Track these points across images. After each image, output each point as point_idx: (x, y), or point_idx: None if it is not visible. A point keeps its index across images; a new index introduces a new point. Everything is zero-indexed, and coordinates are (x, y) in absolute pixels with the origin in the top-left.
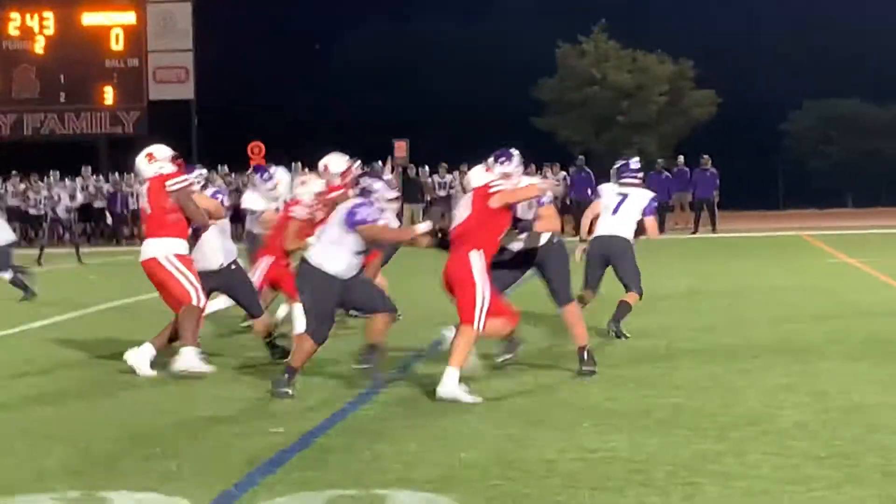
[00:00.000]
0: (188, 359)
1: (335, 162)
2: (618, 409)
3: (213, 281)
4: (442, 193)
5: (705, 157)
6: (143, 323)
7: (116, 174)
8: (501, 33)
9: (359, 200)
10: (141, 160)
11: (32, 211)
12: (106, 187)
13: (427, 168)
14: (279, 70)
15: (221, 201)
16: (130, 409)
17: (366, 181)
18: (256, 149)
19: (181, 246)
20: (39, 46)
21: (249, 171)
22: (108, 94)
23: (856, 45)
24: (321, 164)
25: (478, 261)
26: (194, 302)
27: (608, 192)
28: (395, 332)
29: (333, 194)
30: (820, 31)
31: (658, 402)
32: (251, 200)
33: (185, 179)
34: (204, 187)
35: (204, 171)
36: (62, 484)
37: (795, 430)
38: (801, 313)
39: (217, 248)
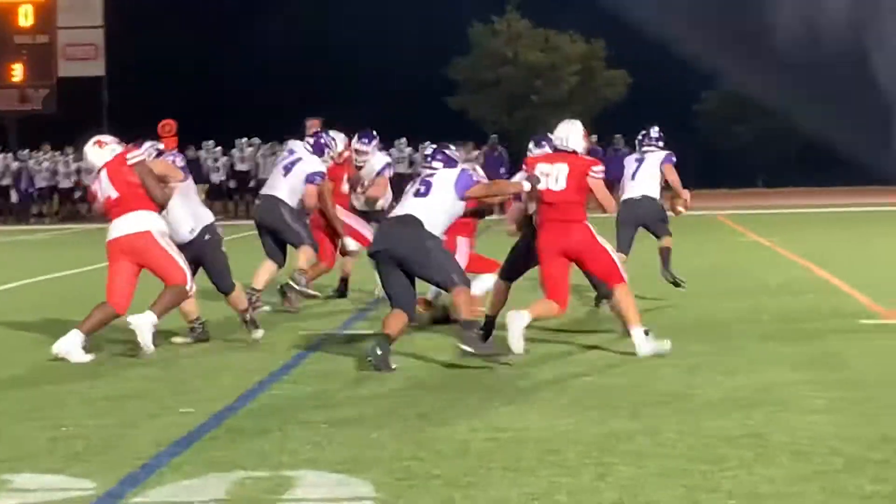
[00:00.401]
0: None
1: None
2: (530, 387)
3: (185, 253)
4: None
5: (617, 136)
6: (36, 304)
7: (27, 151)
8: (415, 12)
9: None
10: (91, 150)
11: None
12: (14, 165)
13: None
14: (193, 47)
15: (174, 162)
16: (37, 389)
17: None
18: (168, 127)
19: (163, 223)
20: None
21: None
22: (17, 71)
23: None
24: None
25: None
26: (187, 285)
27: (629, 161)
28: (310, 312)
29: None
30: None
31: (572, 381)
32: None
33: (141, 154)
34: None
35: (157, 143)
36: None
37: (708, 409)
38: (714, 292)
39: (183, 215)
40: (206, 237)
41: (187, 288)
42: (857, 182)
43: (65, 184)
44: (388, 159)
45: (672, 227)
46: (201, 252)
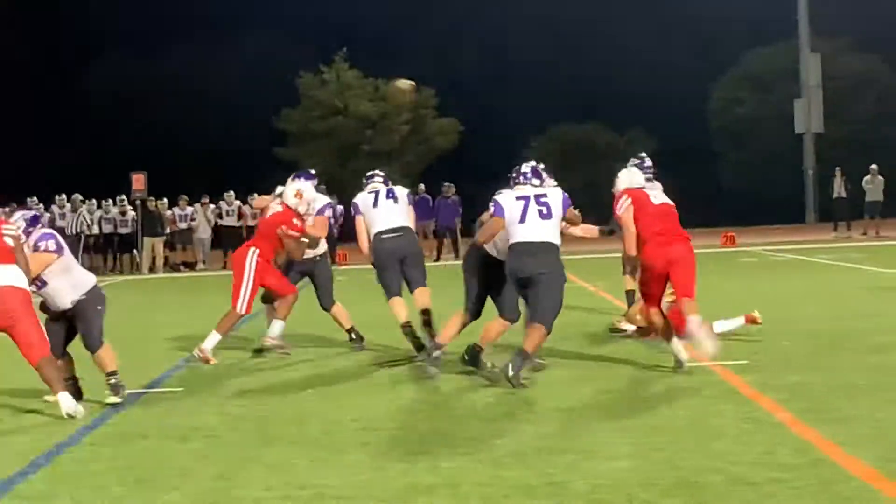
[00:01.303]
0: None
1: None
2: (333, 442)
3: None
4: (183, 226)
5: (447, 184)
6: None
7: None
8: (243, 64)
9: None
10: None
11: None
12: None
13: (166, 200)
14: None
15: (46, 247)
16: None
17: None
18: None
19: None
20: None
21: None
22: None
23: (598, 71)
24: (292, 189)
25: None
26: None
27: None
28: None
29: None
30: (563, 59)
31: (375, 434)
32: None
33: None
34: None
35: (26, 213)
36: None
37: (508, 458)
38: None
39: (64, 286)
40: (85, 298)
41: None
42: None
43: None
44: (329, 199)
45: None
46: (77, 314)
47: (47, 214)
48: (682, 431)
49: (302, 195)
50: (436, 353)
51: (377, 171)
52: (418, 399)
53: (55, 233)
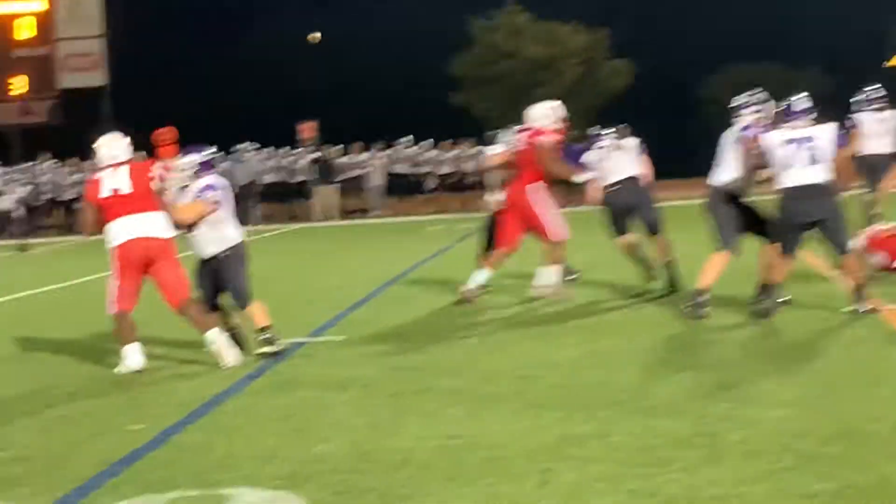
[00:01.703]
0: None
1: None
2: (491, 391)
3: (205, 267)
4: (356, 173)
5: (623, 125)
6: (30, 319)
7: (29, 164)
8: (415, 9)
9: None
10: (116, 141)
11: None
12: (16, 178)
13: (341, 147)
14: (192, 52)
15: (208, 191)
16: None
17: None
18: (165, 135)
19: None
20: None
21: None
22: (18, 85)
23: (773, 8)
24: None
25: None
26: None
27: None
28: (276, 319)
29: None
30: None
31: (534, 383)
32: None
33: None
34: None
35: (199, 156)
36: None
37: (663, 409)
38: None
39: (211, 238)
40: (227, 254)
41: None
42: None
43: (68, 195)
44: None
45: (672, 215)
46: (220, 269)
47: (223, 165)
48: (843, 378)
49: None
50: (701, 299)
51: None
52: (579, 348)
53: (220, 184)
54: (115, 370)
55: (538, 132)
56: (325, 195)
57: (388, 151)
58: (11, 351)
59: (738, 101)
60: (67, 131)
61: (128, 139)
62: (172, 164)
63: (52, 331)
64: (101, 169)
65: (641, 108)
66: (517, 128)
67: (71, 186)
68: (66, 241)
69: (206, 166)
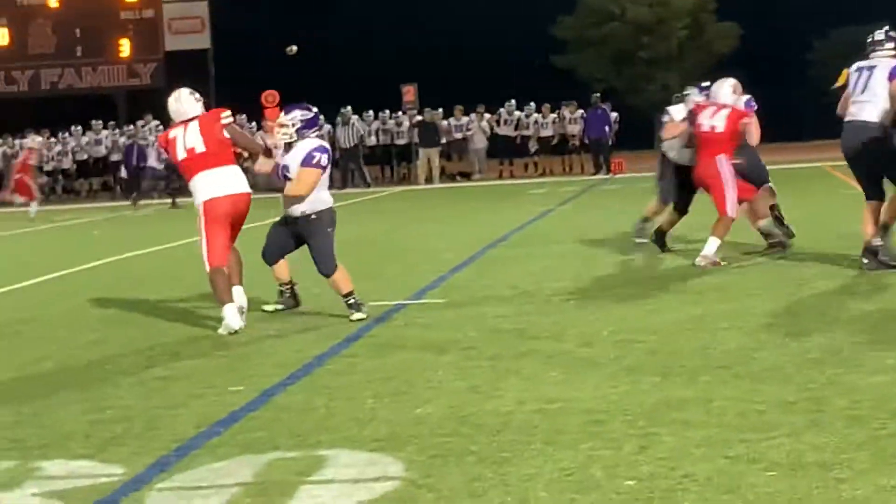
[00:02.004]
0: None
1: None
2: (589, 355)
3: (290, 228)
4: (458, 136)
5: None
6: (134, 280)
7: (132, 126)
8: None
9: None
10: (186, 97)
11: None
12: (122, 140)
13: (441, 111)
14: (296, 16)
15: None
16: (91, 370)
17: None
18: (270, 97)
19: None
20: (53, 1)
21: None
22: (125, 47)
23: None
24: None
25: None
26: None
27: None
28: (377, 281)
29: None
30: None
31: (632, 347)
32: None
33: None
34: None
35: (306, 113)
36: (0, 453)
37: (768, 373)
38: (800, 245)
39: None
40: (316, 217)
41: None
42: None
43: None
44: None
45: (779, 178)
46: (307, 232)
47: (327, 126)
48: None
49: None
50: (876, 242)
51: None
52: (680, 312)
53: (328, 147)
54: (219, 331)
55: (740, 114)
56: (428, 158)
57: (491, 115)
58: (115, 312)
59: (878, 35)
60: (169, 94)
61: (196, 95)
62: (279, 123)
63: (157, 292)
64: (174, 127)
65: (748, 72)
66: (696, 99)
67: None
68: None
69: (309, 124)
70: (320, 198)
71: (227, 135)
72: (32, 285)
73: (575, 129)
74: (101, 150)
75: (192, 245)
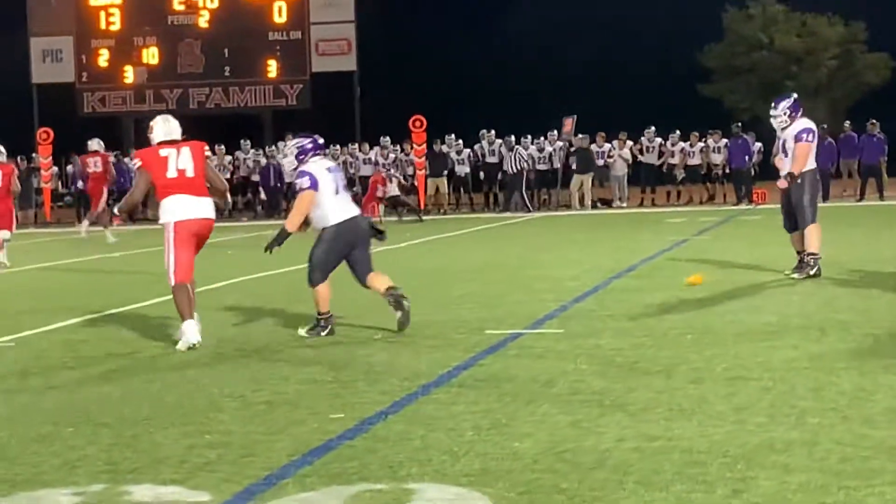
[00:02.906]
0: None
1: None
2: (699, 392)
3: None
4: (601, 162)
5: (872, 121)
6: (256, 300)
7: (274, 147)
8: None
9: None
10: (174, 121)
11: None
12: (263, 161)
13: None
14: (440, 39)
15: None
16: (197, 392)
17: None
18: (418, 122)
19: None
20: (203, 21)
21: None
22: (272, 67)
23: None
24: None
25: None
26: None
27: None
28: (497, 309)
29: None
30: None
31: (744, 385)
32: None
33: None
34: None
35: (302, 141)
36: (91, 476)
37: (881, 417)
38: None
39: (323, 213)
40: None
41: None
42: None
43: None
44: None
45: None
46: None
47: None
48: None
49: None
50: None
51: None
52: (799, 349)
53: (311, 171)
54: (177, 347)
55: None
56: (580, 184)
57: (634, 142)
58: (232, 333)
59: None
60: (314, 115)
61: (177, 123)
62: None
63: (276, 314)
64: (161, 145)
65: None
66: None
67: None
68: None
69: (302, 151)
70: (324, 216)
71: (206, 169)
72: (154, 304)
73: (718, 158)
74: (244, 170)
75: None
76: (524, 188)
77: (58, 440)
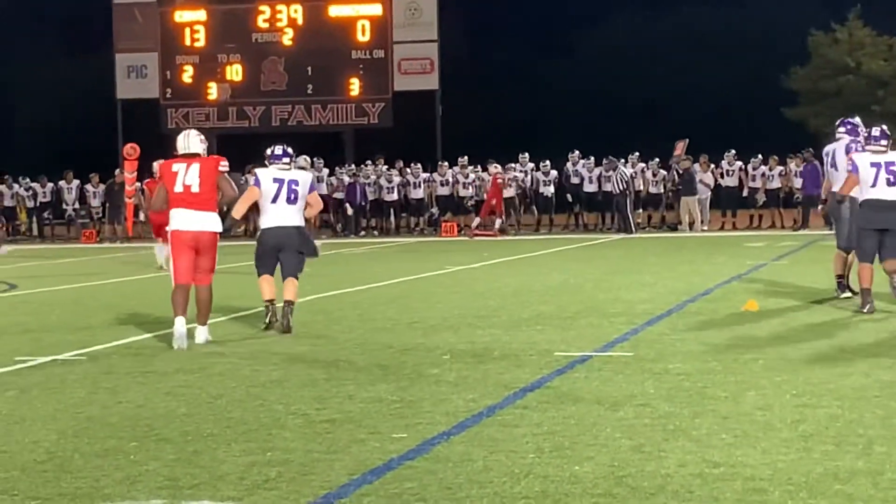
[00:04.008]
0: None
1: None
2: (766, 419)
3: None
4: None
5: None
6: (325, 319)
7: (360, 165)
8: (752, 20)
9: None
10: (194, 137)
11: None
12: (346, 178)
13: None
14: (523, 60)
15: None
16: (263, 409)
17: None
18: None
19: None
20: (287, 39)
21: None
22: (354, 86)
23: None
24: None
25: None
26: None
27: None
28: (569, 331)
29: None
30: None
31: (812, 413)
32: None
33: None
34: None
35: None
36: (150, 491)
37: None
38: None
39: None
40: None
41: None
42: None
43: (390, 197)
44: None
45: None
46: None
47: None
48: None
49: None
50: None
51: None
52: (870, 377)
53: (264, 175)
54: (173, 345)
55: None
56: (688, 206)
57: (715, 165)
58: (302, 350)
59: None
60: (396, 133)
61: (202, 137)
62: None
63: (345, 332)
64: (177, 161)
65: None
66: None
67: (389, 191)
68: (387, 242)
69: (272, 159)
70: (262, 220)
71: (219, 181)
72: (226, 321)
73: (798, 182)
74: (323, 188)
75: (388, 287)
76: (628, 209)
77: (121, 454)
